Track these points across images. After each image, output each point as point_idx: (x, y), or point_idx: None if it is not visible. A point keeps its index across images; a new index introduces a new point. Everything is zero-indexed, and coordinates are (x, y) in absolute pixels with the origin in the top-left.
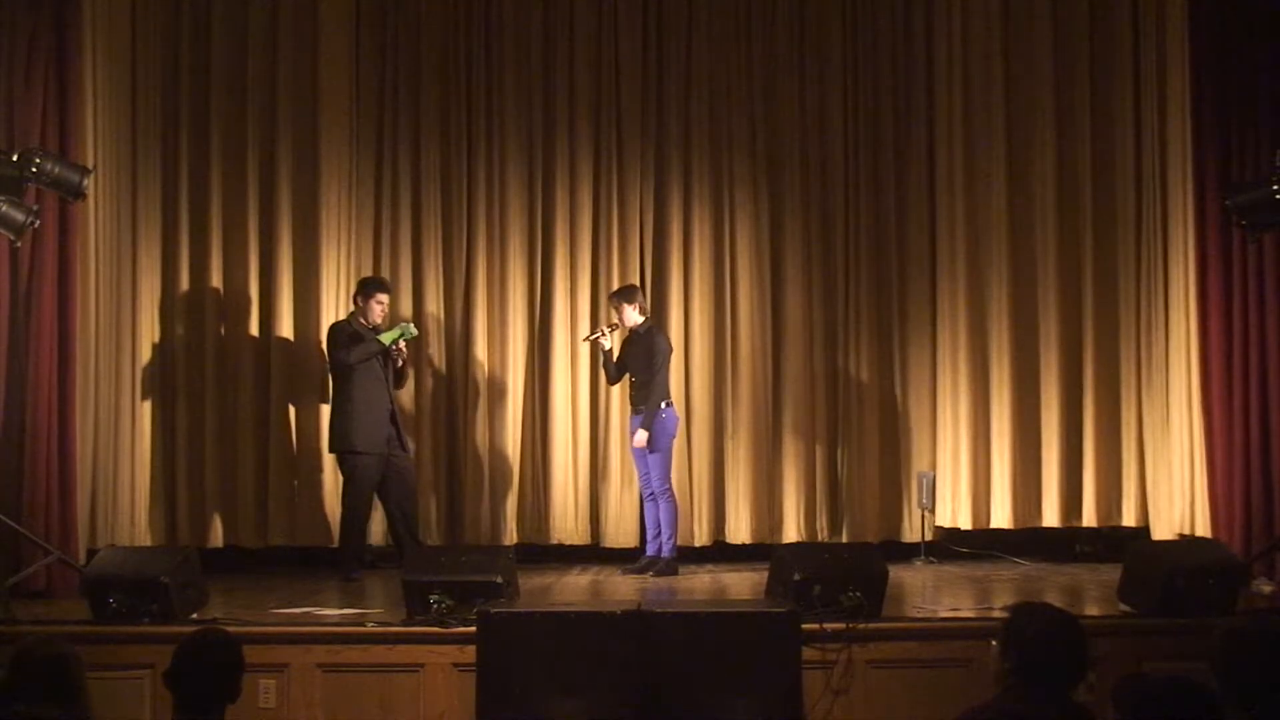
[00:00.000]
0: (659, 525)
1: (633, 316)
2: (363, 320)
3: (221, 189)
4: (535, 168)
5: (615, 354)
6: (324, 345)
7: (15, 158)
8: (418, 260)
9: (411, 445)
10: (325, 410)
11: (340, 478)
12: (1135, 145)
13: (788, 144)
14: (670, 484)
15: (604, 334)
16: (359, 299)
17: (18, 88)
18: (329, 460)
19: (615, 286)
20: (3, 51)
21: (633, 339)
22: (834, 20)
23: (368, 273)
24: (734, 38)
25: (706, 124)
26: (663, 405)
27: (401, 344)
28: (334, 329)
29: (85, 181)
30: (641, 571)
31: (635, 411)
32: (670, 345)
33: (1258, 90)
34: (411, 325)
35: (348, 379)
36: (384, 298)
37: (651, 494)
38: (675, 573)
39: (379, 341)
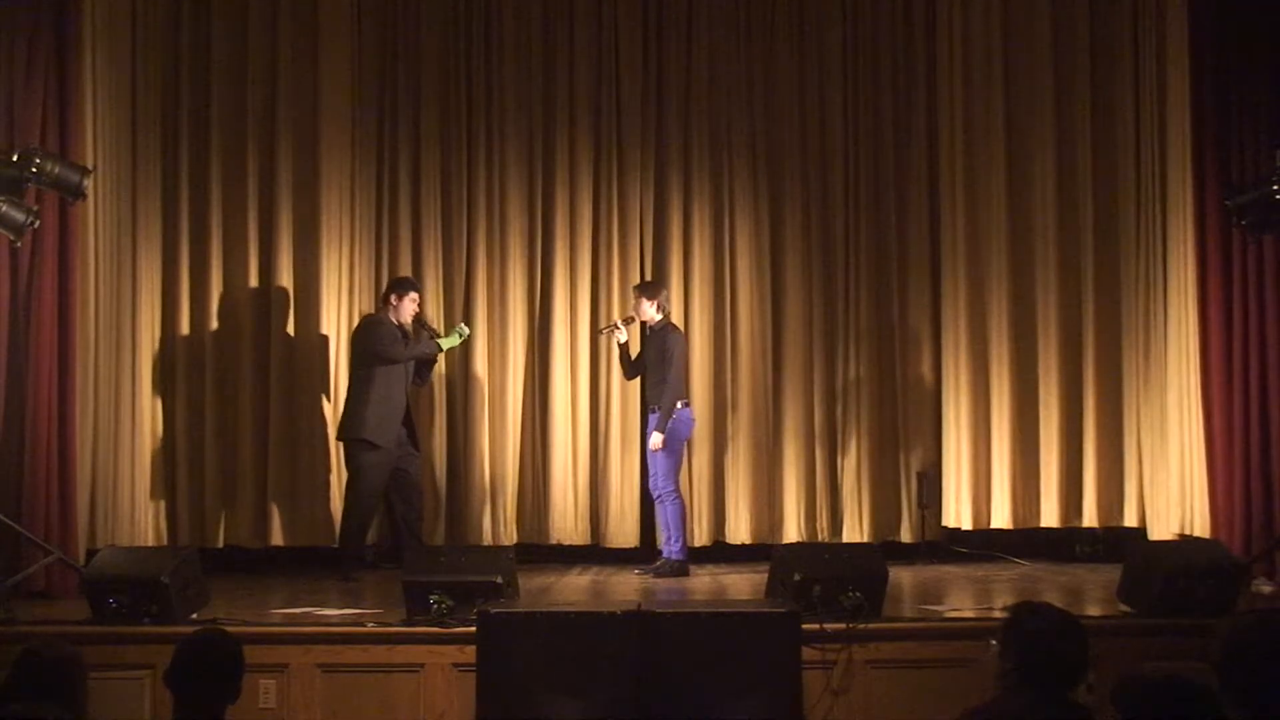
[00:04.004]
0: (668, 527)
1: (649, 312)
2: (393, 318)
3: (222, 189)
4: (535, 168)
5: (635, 349)
6: (357, 335)
7: (15, 158)
8: (418, 260)
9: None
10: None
11: (344, 477)
12: (1135, 145)
13: (788, 144)
14: (675, 485)
15: (618, 327)
16: (393, 297)
17: (18, 88)
18: (331, 460)
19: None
20: (3, 51)
21: (649, 337)
22: (834, 20)
23: (367, 272)
24: (734, 38)
25: (706, 124)
26: (678, 406)
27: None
28: (378, 322)
29: (85, 181)
30: (657, 573)
31: (650, 410)
32: (684, 345)
33: (1258, 90)
34: (464, 326)
35: (371, 374)
36: (417, 297)
37: (659, 495)
38: (686, 573)
39: (438, 345)
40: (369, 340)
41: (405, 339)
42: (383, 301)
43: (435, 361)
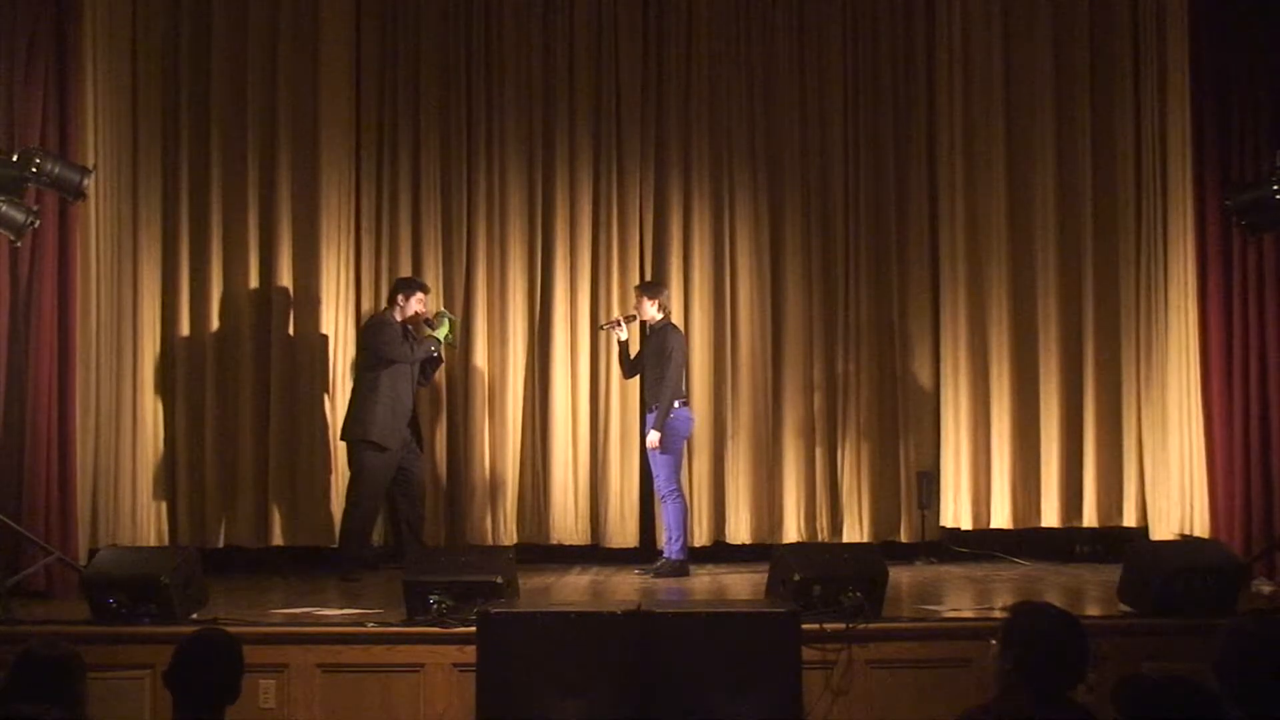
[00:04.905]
0: (669, 526)
1: (649, 311)
2: (399, 318)
3: (221, 189)
4: (535, 167)
5: (634, 348)
6: (364, 336)
7: (15, 158)
8: (418, 260)
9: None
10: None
11: (344, 477)
12: (1135, 145)
13: (788, 144)
14: (677, 485)
15: (618, 325)
16: (399, 297)
17: (18, 88)
18: (332, 460)
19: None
20: (3, 51)
21: (649, 336)
22: (834, 21)
23: (368, 272)
24: (734, 38)
25: (706, 124)
26: (676, 405)
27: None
28: (384, 323)
29: (85, 181)
30: (657, 573)
31: (649, 410)
32: (683, 345)
33: (1258, 90)
34: (445, 310)
35: (378, 375)
36: (424, 297)
37: (662, 495)
38: (686, 574)
39: (435, 339)
40: (376, 342)
41: (410, 339)
42: (389, 302)
43: (442, 361)
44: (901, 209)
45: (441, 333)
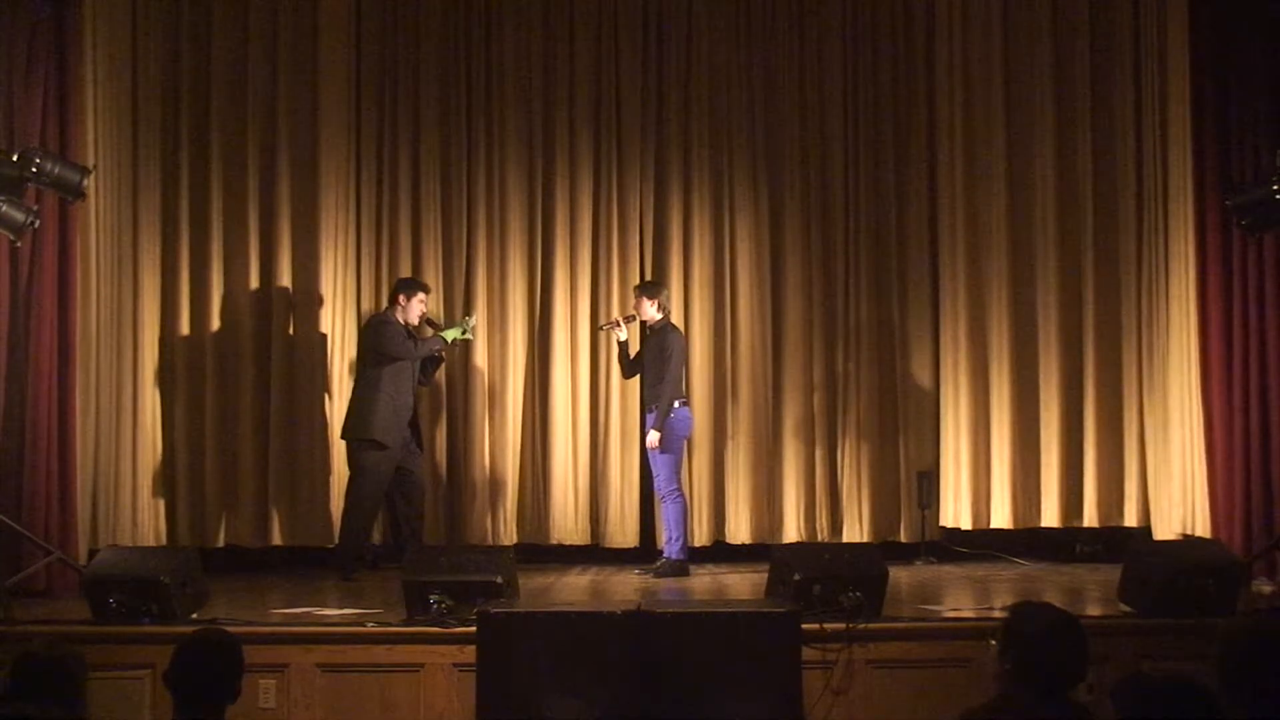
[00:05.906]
0: (669, 526)
1: (649, 312)
2: (400, 318)
3: (221, 189)
4: (535, 167)
5: (634, 349)
6: (365, 335)
7: (15, 158)
8: (418, 260)
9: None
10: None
11: (344, 477)
12: (1136, 145)
13: (788, 144)
14: (677, 484)
15: (618, 325)
16: (401, 297)
17: (18, 88)
18: (331, 460)
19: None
20: (3, 51)
21: (649, 336)
22: (834, 21)
23: (368, 272)
24: (734, 38)
25: (706, 124)
26: (675, 405)
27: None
28: (385, 322)
29: (85, 181)
30: (657, 573)
31: (648, 410)
32: (683, 344)
33: (1258, 90)
34: (469, 319)
35: (380, 374)
36: (425, 298)
37: (662, 494)
38: (686, 573)
39: (442, 339)
40: (377, 340)
41: (412, 339)
42: (390, 302)
43: (443, 360)
44: (901, 208)
45: (451, 335)
